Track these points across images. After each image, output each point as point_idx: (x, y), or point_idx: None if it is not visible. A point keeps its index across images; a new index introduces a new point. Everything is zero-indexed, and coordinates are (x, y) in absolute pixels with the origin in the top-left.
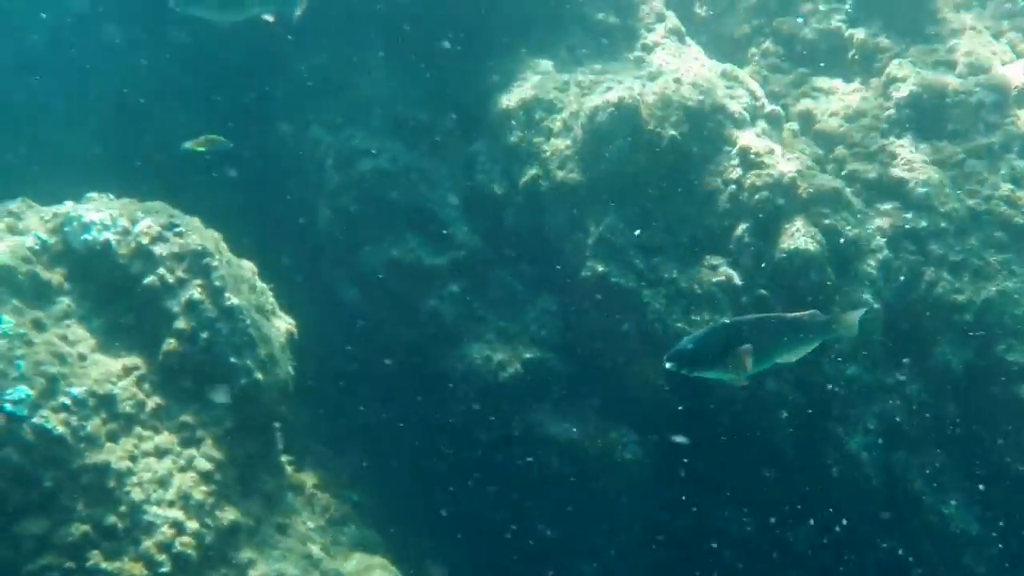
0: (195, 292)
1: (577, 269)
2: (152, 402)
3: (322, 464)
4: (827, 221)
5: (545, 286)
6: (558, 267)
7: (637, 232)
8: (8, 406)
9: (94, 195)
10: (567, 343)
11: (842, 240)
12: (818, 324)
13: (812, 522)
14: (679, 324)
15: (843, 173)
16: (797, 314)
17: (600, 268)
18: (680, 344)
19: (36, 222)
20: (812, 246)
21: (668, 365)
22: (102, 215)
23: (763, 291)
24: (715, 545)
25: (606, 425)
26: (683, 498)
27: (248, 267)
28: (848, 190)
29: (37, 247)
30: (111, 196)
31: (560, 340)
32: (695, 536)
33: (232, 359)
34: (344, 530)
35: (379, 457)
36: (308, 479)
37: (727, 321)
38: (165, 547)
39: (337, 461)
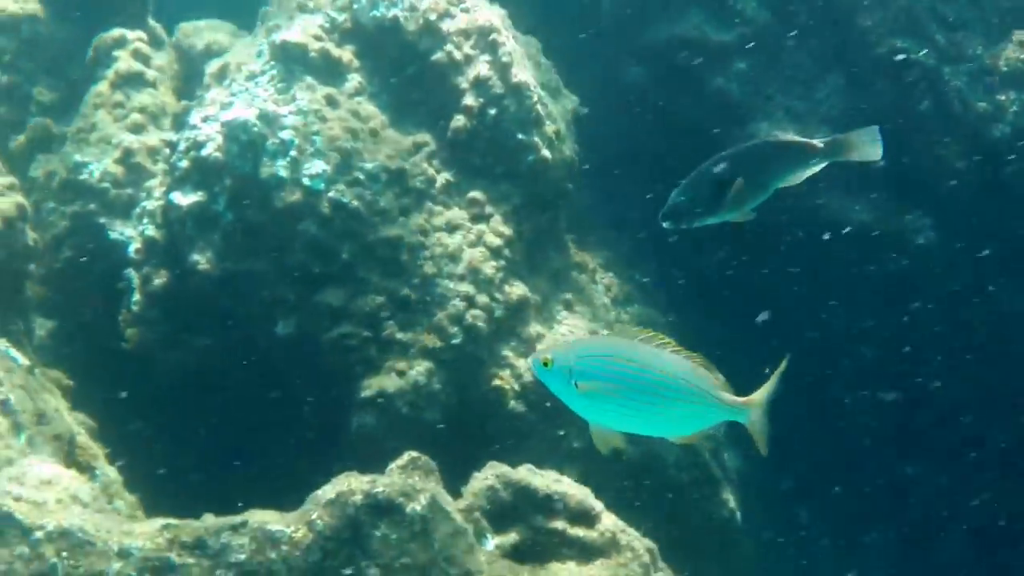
0: (482, 69)
1: (872, 45)
2: (441, 178)
3: (605, 244)
4: None
5: (836, 63)
6: (850, 43)
7: (940, 5)
8: (306, 180)
9: None
10: (859, 122)
11: None
12: (819, 148)
13: None
14: (982, 104)
15: None
16: (794, 138)
17: (898, 43)
18: (671, 198)
19: (326, 0)
20: None
21: (664, 224)
22: None
23: None
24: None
25: (899, 207)
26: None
27: (533, 43)
28: None
29: (327, 25)
30: None
31: (850, 121)
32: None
33: (520, 136)
34: (628, 309)
35: (659, 239)
36: (591, 258)
37: (716, 158)
38: (456, 319)
39: (619, 242)
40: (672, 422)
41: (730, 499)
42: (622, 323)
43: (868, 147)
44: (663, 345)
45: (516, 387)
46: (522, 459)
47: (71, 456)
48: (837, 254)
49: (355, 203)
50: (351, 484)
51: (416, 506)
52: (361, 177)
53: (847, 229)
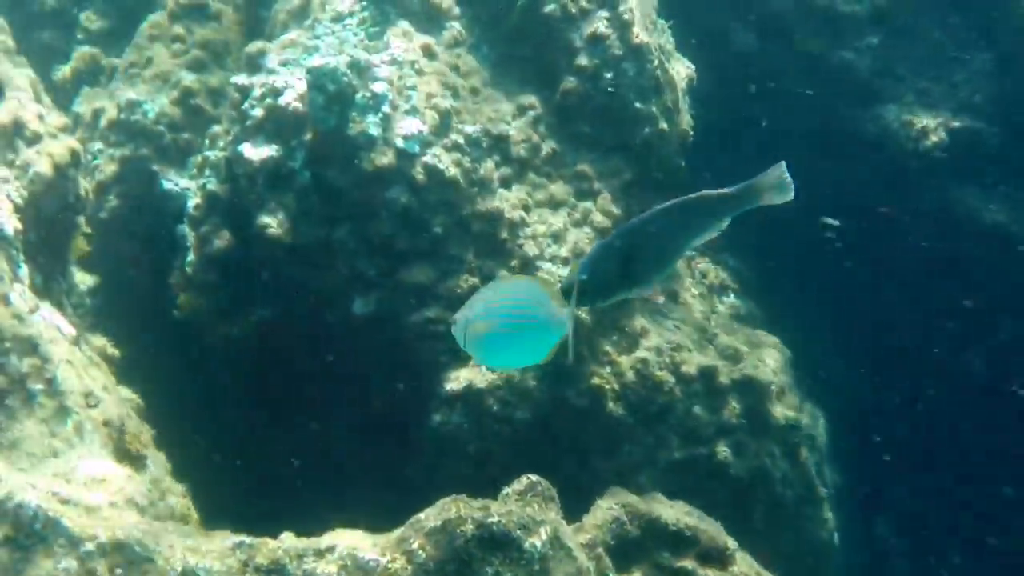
0: (600, 25)
1: None
2: (547, 147)
3: None
4: None
5: (982, 43)
6: (999, 18)
7: None
8: (399, 141)
9: None
10: (1004, 113)
11: None
12: (727, 198)
13: None
14: None
15: None
16: (703, 194)
17: None
18: (574, 276)
19: None
20: None
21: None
22: None
23: None
24: None
25: None
26: None
27: (648, 0)
28: None
29: None
30: None
31: (996, 109)
32: None
33: (637, 104)
34: (723, 300)
35: (762, 224)
36: None
37: (618, 231)
38: None
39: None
40: (534, 345)
41: (830, 518)
42: (718, 314)
43: (780, 188)
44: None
45: (616, 387)
46: (616, 467)
47: (120, 444)
48: (967, 253)
49: (453, 170)
50: (460, 510)
51: (536, 541)
52: (460, 141)
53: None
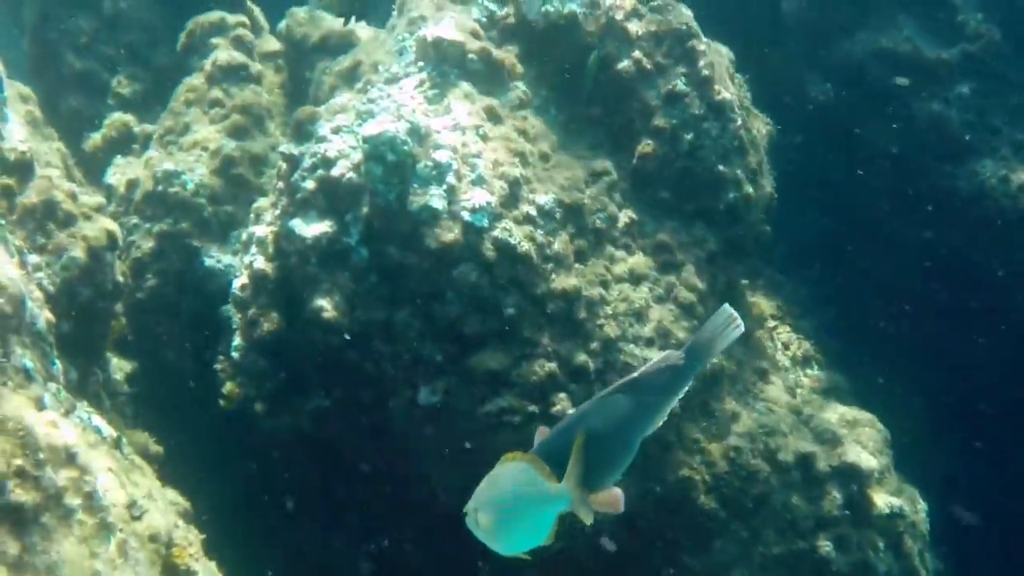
0: (678, 82)
1: None
2: (624, 216)
3: (773, 288)
4: None
5: None
6: None
7: None
8: (466, 214)
9: None
10: None
11: None
12: (680, 363)
13: None
14: None
15: None
16: (648, 368)
17: None
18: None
19: None
20: None
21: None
22: None
23: None
24: None
25: None
26: None
27: (724, 52)
28: None
29: (485, 19)
30: None
31: None
32: None
33: (720, 167)
34: (808, 372)
35: (839, 283)
36: (765, 306)
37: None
38: None
39: (787, 285)
40: (532, 530)
41: None
42: (803, 388)
43: (729, 330)
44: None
45: (707, 477)
46: (707, 565)
47: (168, 560)
48: None
49: (525, 245)
50: None
51: None
52: (531, 212)
53: None
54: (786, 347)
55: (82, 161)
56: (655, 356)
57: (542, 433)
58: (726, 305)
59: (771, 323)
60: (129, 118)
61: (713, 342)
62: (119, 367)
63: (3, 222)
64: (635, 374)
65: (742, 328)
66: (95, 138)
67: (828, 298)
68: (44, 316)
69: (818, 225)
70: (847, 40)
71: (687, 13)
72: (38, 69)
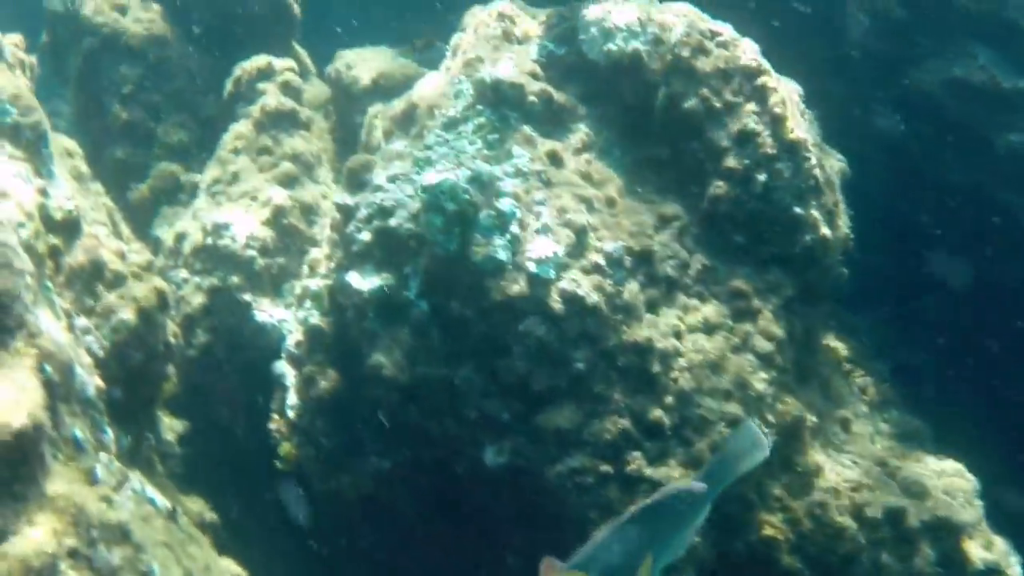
0: (749, 121)
1: None
2: (696, 262)
3: (845, 329)
4: None
5: None
6: None
7: None
8: (532, 265)
9: None
10: None
11: None
12: (700, 491)
13: None
14: None
15: None
16: (664, 493)
17: None
18: None
19: (537, 27)
20: None
21: None
22: (628, 17)
23: None
24: None
25: None
26: None
27: (793, 89)
28: None
29: (544, 59)
30: None
31: None
32: None
33: (796, 208)
34: (886, 417)
35: (914, 321)
36: (839, 349)
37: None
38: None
39: (861, 326)
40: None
41: None
42: (881, 434)
43: (755, 448)
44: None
45: (791, 536)
46: None
47: None
48: None
49: (594, 296)
50: None
51: None
52: (599, 261)
53: None
54: (863, 391)
55: (129, 213)
56: (735, 409)
57: (548, 567)
58: (749, 422)
59: (846, 366)
60: (176, 167)
61: (736, 464)
62: (170, 427)
63: (50, 284)
64: (650, 500)
65: (767, 450)
66: (141, 189)
67: (899, 338)
68: (94, 383)
69: (888, 262)
70: (917, 70)
71: (754, 47)
72: (83, 119)
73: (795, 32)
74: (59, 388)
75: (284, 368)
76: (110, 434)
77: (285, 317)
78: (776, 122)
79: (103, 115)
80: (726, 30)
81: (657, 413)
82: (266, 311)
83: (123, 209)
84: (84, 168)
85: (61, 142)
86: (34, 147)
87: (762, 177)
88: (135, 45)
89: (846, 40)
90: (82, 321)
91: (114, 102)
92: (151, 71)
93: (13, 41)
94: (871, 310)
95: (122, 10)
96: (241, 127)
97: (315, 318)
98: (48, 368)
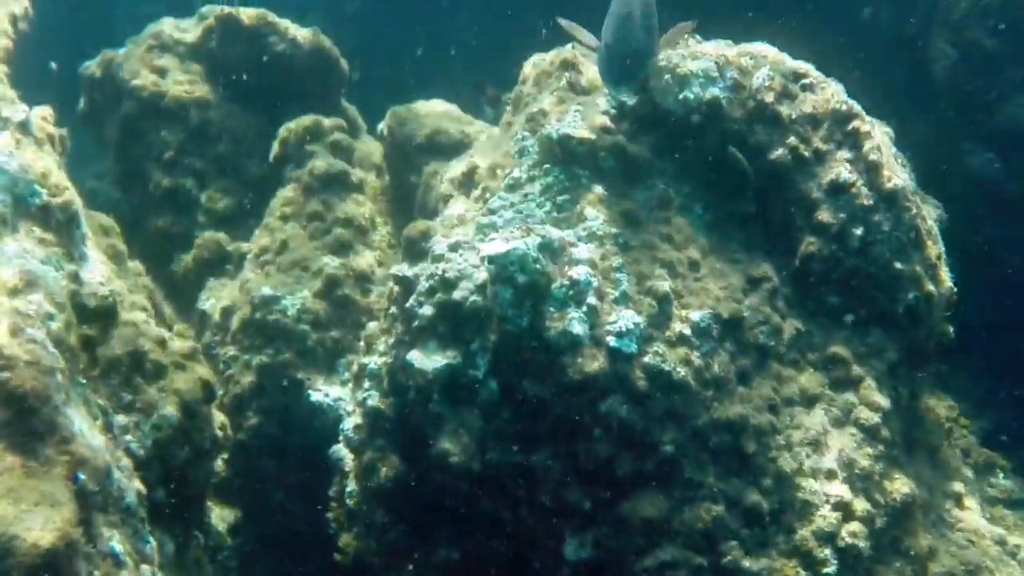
0: (842, 170)
1: None
2: (789, 327)
3: (940, 383)
4: None
5: None
6: None
7: None
8: (611, 339)
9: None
10: None
11: None
12: None
13: None
14: None
15: None
16: None
17: None
18: None
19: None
20: None
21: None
22: (704, 61)
23: None
24: None
25: None
26: None
27: (886, 131)
28: None
29: (614, 111)
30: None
31: None
32: None
33: (897, 264)
34: (992, 481)
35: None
36: (939, 409)
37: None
38: (828, 538)
39: (955, 378)
40: None
41: None
42: (989, 501)
43: None
44: None
45: None
46: None
47: None
48: None
49: (681, 370)
50: None
51: None
52: (685, 331)
53: None
54: (966, 455)
55: (172, 286)
56: (841, 490)
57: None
58: None
59: (948, 424)
60: (221, 236)
61: None
62: (221, 516)
63: (83, 381)
64: None
65: None
66: (185, 259)
67: (996, 392)
68: (134, 488)
69: (982, 308)
70: (1011, 104)
71: (840, 89)
72: (124, 187)
73: (872, 69)
74: (95, 497)
75: (342, 453)
76: (152, 543)
77: (341, 396)
78: (872, 170)
79: (144, 182)
80: (811, 70)
81: (754, 498)
82: (321, 390)
83: (166, 283)
84: (121, 246)
85: (97, 219)
86: (65, 228)
87: (859, 231)
88: (175, 108)
89: (931, 76)
90: (120, 418)
91: (155, 168)
92: (193, 135)
93: (41, 114)
94: (963, 358)
95: (161, 72)
96: (289, 192)
97: (374, 399)
98: (82, 476)
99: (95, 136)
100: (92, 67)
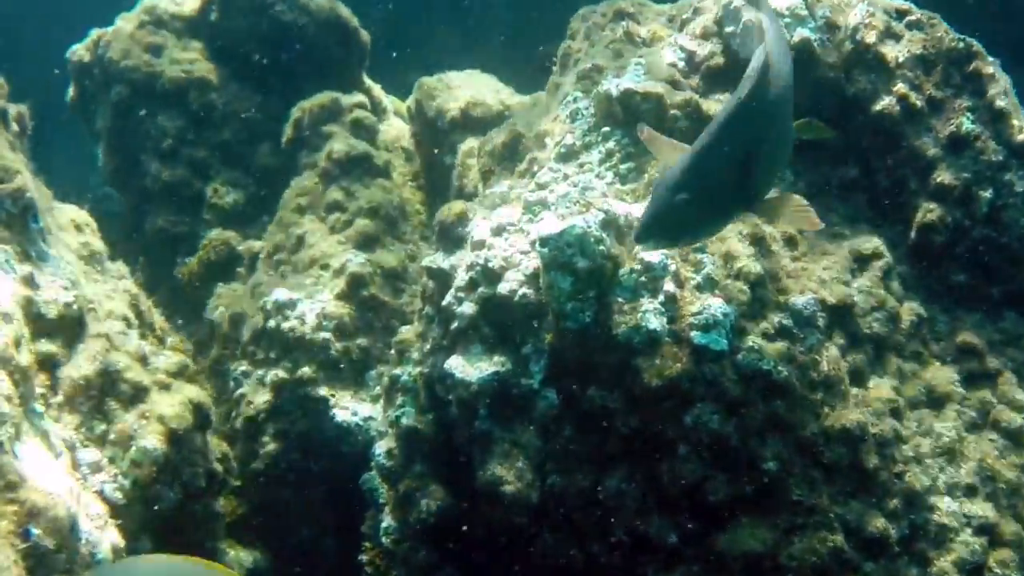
0: (963, 121)
1: None
2: (908, 313)
3: None
4: None
5: None
6: None
7: None
8: (696, 334)
9: None
10: None
11: None
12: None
13: None
14: None
15: None
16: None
17: None
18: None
19: (666, 23)
20: None
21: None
22: (789, 0)
23: None
24: None
25: None
26: None
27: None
28: None
29: (683, 62)
30: None
31: None
32: None
33: None
34: None
35: None
36: None
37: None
38: (971, 569)
39: None
40: None
41: None
42: None
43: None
44: None
45: None
46: None
47: None
48: None
49: (782, 369)
50: None
51: None
52: (785, 322)
53: None
54: None
55: (176, 293)
56: (984, 509)
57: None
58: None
59: None
60: (230, 235)
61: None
62: (238, 560)
63: (40, 409)
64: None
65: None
66: (190, 263)
67: None
68: (108, 541)
69: None
70: None
71: (950, 31)
72: (118, 183)
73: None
74: (56, 558)
75: (375, 482)
76: None
77: (371, 414)
78: (999, 119)
79: (141, 176)
80: (913, 7)
81: (879, 523)
82: (348, 407)
83: (170, 289)
84: (98, 244)
85: (67, 213)
86: (18, 221)
87: (987, 193)
88: (173, 91)
89: None
90: (90, 454)
91: (153, 160)
92: (194, 121)
93: None
94: None
95: (156, 51)
96: (305, 180)
97: (409, 418)
98: (35, 531)
99: (88, 129)
100: (80, 51)
